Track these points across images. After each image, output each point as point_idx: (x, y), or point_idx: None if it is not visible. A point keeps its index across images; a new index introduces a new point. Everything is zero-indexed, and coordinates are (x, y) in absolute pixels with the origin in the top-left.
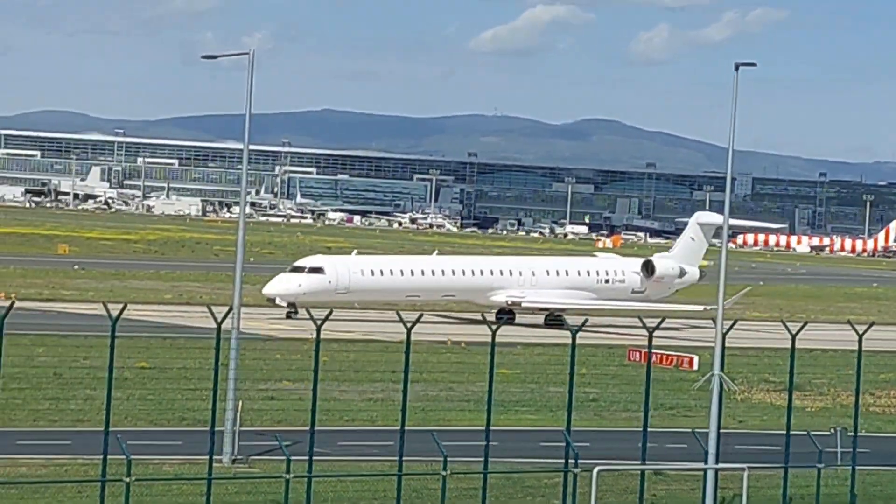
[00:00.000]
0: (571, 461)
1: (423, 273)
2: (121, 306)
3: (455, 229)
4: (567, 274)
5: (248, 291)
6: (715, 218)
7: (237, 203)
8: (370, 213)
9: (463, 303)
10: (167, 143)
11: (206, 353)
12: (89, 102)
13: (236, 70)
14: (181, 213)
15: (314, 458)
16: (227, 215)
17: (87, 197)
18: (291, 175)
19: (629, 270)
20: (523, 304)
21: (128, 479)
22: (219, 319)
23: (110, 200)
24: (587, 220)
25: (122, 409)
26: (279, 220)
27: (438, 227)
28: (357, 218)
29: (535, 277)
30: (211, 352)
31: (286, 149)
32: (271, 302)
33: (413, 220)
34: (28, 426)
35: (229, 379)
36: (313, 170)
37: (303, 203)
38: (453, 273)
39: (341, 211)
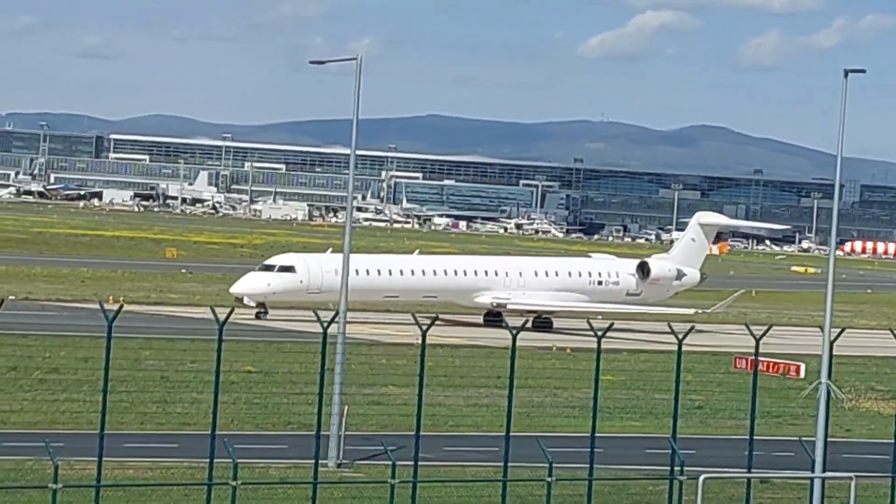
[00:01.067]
0: (677, 468)
1: (401, 273)
2: (227, 311)
3: (560, 235)
4: (557, 275)
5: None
6: (716, 219)
7: (343, 208)
8: (476, 218)
9: (446, 304)
10: (274, 148)
11: (311, 358)
12: (198, 107)
13: (344, 75)
14: (288, 217)
15: (419, 463)
16: (334, 220)
17: (195, 201)
18: (398, 180)
19: (624, 272)
20: (508, 306)
21: (234, 483)
22: (325, 324)
23: (218, 205)
24: None
25: (228, 412)
26: (382, 224)
27: (544, 232)
28: (462, 223)
29: (523, 278)
30: (317, 356)
31: (393, 154)
32: (239, 301)
33: (518, 226)
34: (135, 429)
35: (335, 383)
36: (419, 175)
37: (409, 208)
38: (434, 273)
39: (447, 216)
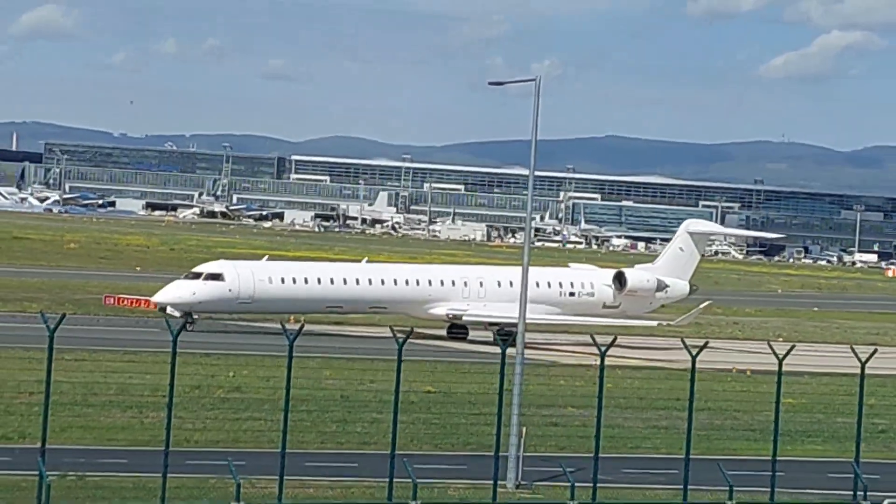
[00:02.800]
0: (860, 493)
1: (345, 282)
2: (407, 332)
3: (740, 257)
4: None
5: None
6: (707, 226)
7: (521, 228)
8: (654, 239)
9: (398, 316)
10: (453, 169)
11: (490, 378)
12: (378, 128)
13: (523, 96)
14: (466, 238)
15: (598, 484)
16: (512, 240)
17: (375, 222)
18: (576, 201)
19: (600, 283)
20: (464, 318)
21: (414, 503)
22: (503, 346)
23: (397, 225)
24: (877, 249)
25: (407, 432)
26: (555, 245)
27: (724, 254)
28: (641, 244)
29: (484, 289)
30: (495, 377)
31: (571, 175)
32: (162, 311)
33: None
34: (316, 448)
35: (513, 404)
36: (597, 195)
37: (587, 229)
38: (383, 283)
39: (625, 237)
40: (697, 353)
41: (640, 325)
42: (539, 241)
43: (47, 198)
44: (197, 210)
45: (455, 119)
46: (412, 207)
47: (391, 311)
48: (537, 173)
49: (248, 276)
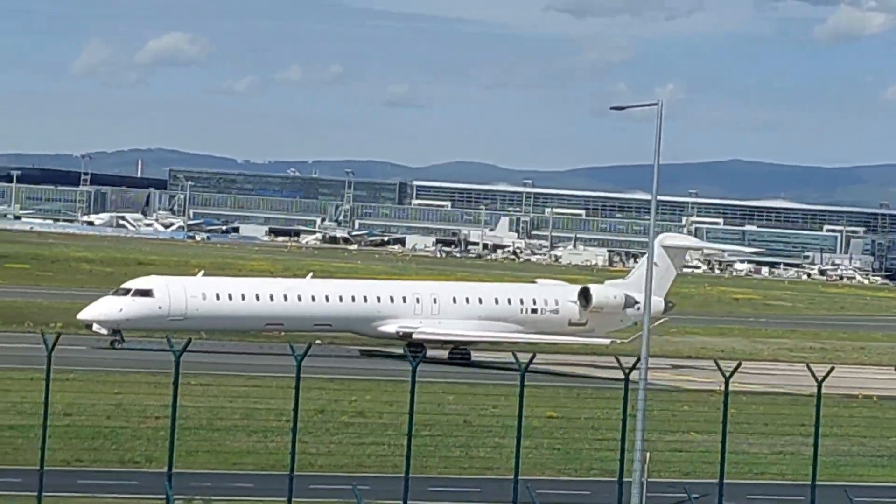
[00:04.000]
0: None
1: (285, 299)
2: (529, 356)
3: (866, 281)
4: (481, 302)
5: (655, 342)
6: (681, 240)
7: (643, 253)
8: (778, 264)
9: (345, 333)
10: (575, 194)
11: (612, 403)
12: (498, 153)
13: (645, 121)
14: (588, 263)
15: None
16: (634, 265)
17: (496, 247)
18: (698, 226)
19: (565, 300)
20: (414, 336)
21: None
22: (626, 370)
23: (518, 250)
24: None
25: (530, 457)
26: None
27: (849, 278)
28: (764, 269)
29: (437, 305)
30: (618, 402)
31: (693, 199)
32: (88, 328)
33: (822, 272)
34: (438, 473)
35: (637, 429)
36: (720, 220)
37: (709, 254)
38: (327, 299)
39: (748, 262)
40: (823, 379)
41: (593, 342)
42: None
43: (172, 224)
44: (319, 236)
45: (577, 144)
46: (533, 232)
47: (337, 328)
48: (659, 198)
49: (179, 293)
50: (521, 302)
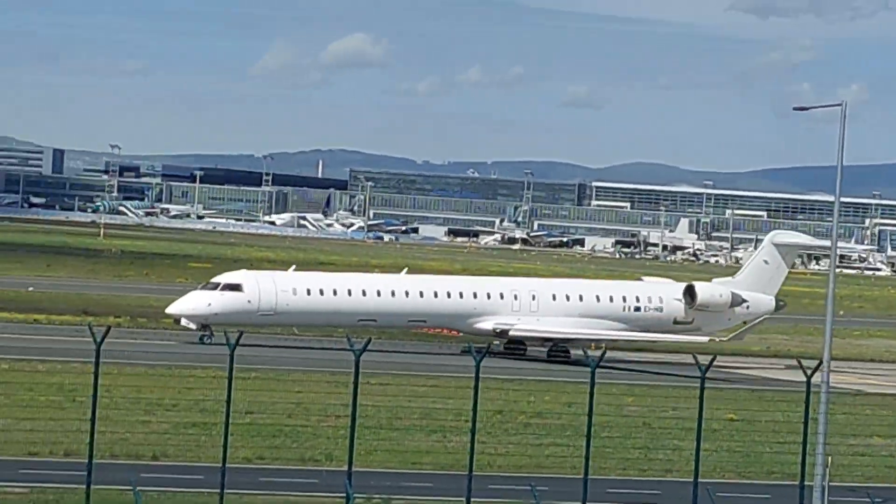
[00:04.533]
0: None
1: (378, 294)
2: (710, 358)
3: None
4: (581, 299)
5: (837, 345)
6: (794, 238)
7: (826, 256)
8: None
9: (441, 330)
10: (756, 195)
11: (794, 407)
12: (679, 154)
13: (827, 122)
14: None
15: None
16: (815, 267)
17: (676, 248)
18: (881, 228)
19: (670, 298)
20: (511, 333)
21: None
22: (808, 373)
23: (698, 252)
24: None
25: (710, 460)
26: (853, 272)
27: None
28: None
29: (536, 302)
30: (799, 405)
31: (876, 201)
32: (176, 323)
33: None
34: (617, 474)
35: (818, 433)
36: None
37: (894, 256)
38: (421, 295)
39: None
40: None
41: (691, 342)
42: (844, 267)
43: (352, 224)
44: (498, 236)
45: (758, 145)
46: (714, 234)
47: (431, 325)
48: (842, 199)
49: (269, 287)
50: (624, 299)
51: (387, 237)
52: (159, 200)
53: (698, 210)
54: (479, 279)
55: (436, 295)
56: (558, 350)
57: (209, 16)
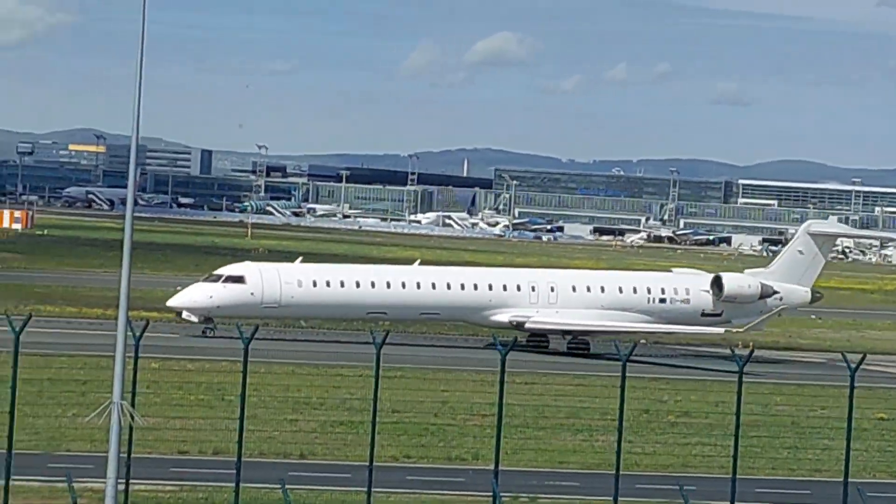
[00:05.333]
0: None
1: (388, 286)
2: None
3: None
4: (603, 291)
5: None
6: (830, 227)
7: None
8: None
9: (455, 322)
10: None
11: None
12: (827, 151)
13: None
14: None
15: None
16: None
17: None
18: None
19: (698, 289)
20: (527, 325)
21: None
22: None
23: (847, 250)
24: None
25: (860, 459)
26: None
27: None
28: None
29: (555, 294)
30: None
31: None
32: (178, 315)
33: None
34: (766, 474)
35: None
36: None
37: None
38: (434, 287)
39: None
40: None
41: (707, 333)
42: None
43: (497, 223)
44: (644, 235)
45: None
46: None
47: (445, 318)
48: None
49: (273, 279)
50: (649, 291)
51: (546, 237)
52: (305, 200)
53: (847, 208)
54: (494, 271)
55: (449, 287)
56: (577, 343)
57: (357, 15)
